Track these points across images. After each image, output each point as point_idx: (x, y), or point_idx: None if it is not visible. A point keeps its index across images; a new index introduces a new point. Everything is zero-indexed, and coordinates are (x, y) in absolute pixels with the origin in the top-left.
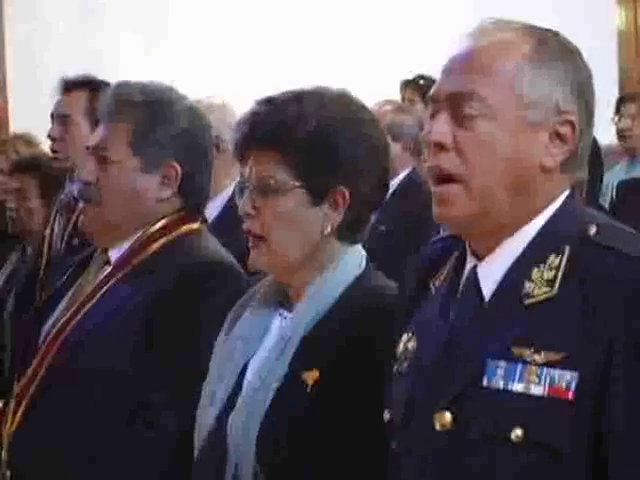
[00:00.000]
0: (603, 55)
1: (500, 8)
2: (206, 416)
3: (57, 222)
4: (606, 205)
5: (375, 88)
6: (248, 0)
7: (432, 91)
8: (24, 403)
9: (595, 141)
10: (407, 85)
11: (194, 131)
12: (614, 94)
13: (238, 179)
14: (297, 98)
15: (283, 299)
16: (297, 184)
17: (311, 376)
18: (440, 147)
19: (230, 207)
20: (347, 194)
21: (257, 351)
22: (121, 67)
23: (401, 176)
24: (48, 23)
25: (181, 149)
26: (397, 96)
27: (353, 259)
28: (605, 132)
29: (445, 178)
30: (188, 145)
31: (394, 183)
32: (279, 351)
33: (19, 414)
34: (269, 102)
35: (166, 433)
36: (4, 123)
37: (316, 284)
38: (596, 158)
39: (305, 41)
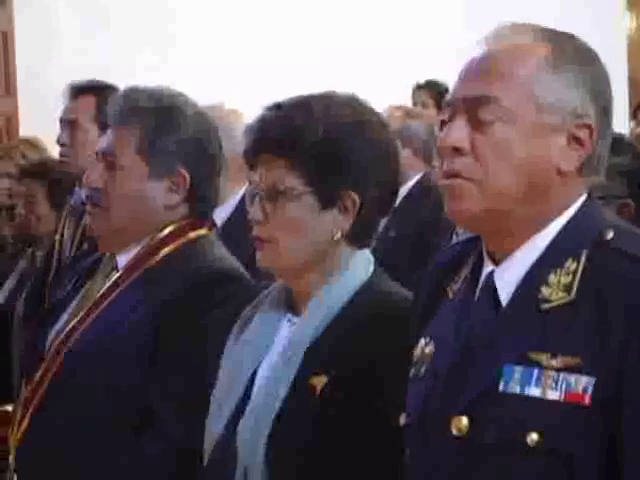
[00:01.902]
0: (612, 61)
1: (509, 15)
2: (215, 422)
3: (67, 227)
4: None
5: (384, 93)
6: (256, 7)
7: (449, 96)
8: (31, 410)
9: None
10: (420, 89)
11: (203, 137)
12: (624, 100)
13: (246, 185)
14: (305, 104)
15: (291, 304)
16: (307, 189)
17: (320, 382)
18: (457, 151)
19: (238, 213)
20: (357, 199)
21: (266, 357)
22: (130, 71)
23: (411, 181)
24: (58, 30)
25: (189, 156)
26: (406, 101)
27: (361, 264)
28: None
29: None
30: (196, 152)
31: (405, 188)
32: (287, 357)
33: (26, 420)
34: (277, 108)
35: (172, 444)
36: (14, 129)
37: (324, 289)
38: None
39: (314, 47)
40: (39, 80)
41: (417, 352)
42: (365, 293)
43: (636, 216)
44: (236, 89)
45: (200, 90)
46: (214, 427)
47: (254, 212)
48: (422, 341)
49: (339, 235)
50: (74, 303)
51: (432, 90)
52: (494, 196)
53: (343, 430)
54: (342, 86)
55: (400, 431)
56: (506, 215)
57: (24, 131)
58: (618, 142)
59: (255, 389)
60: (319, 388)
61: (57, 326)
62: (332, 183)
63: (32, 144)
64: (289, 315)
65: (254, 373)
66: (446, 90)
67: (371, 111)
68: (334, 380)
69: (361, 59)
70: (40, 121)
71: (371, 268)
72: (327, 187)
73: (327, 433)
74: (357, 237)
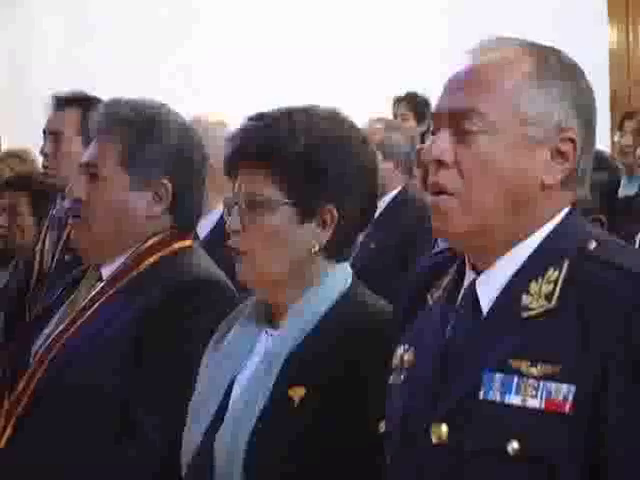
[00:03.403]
0: (594, 75)
1: (492, 29)
2: (193, 434)
3: (48, 238)
4: None
5: (365, 105)
6: (242, 19)
7: (434, 108)
8: (12, 420)
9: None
10: (400, 101)
11: (185, 148)
12: (605, 114)
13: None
14: (287, 115)
15: (269, 316)
16: (286, 201)
17: (297, 393)
18: (441, 164)
19: (222, 225)
20: (335, 212)
21: (243, 369)
22: (113, 83)
23: (392, 194)
24: (39, 38)
25: (172, 166)
26: (386, 113)
27: (339, 276)
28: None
29: (443, 193)
30: (179, 162)
31: (385, 200)
32: (265, 368)
33: (7, 431)
34: (260, 119)
35: (153, 451)
36: None
37: (301, 301)
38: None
39: (297, 60)
40: (19, 89)
41: (396, 359)
42: (343, 304)
43: (608, 232)
44: (219, 99)
45: (185, 99)
46: (192, 436)
47: (232, 222)
48: (401, 348)
49: (317, 248)
50: (58, 314)
51: (412, 103)
52: (477, 211)
53: (322, 439)
54: (325, 98)
55: (380, 438)
56: (490, 231)
57: (4, 141)
58: (597, 158)
59: (233, 399)
60: (297, 399)
61: (42, 337)
62: (311, 195)
63: (20, 157)
64: (267, 327)
65: (231, 384)
66: (425, 103)
67: (352, 126)
68: (313, 391)
69: (343, 72)
70: (19, 131)
71: (349, 280)
72: (306, 199)
73: (306, 443)
74: (335, 250)
